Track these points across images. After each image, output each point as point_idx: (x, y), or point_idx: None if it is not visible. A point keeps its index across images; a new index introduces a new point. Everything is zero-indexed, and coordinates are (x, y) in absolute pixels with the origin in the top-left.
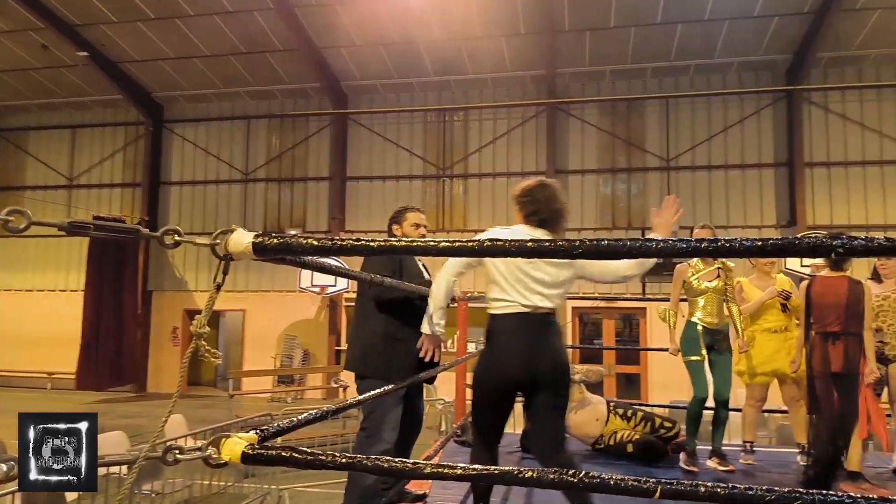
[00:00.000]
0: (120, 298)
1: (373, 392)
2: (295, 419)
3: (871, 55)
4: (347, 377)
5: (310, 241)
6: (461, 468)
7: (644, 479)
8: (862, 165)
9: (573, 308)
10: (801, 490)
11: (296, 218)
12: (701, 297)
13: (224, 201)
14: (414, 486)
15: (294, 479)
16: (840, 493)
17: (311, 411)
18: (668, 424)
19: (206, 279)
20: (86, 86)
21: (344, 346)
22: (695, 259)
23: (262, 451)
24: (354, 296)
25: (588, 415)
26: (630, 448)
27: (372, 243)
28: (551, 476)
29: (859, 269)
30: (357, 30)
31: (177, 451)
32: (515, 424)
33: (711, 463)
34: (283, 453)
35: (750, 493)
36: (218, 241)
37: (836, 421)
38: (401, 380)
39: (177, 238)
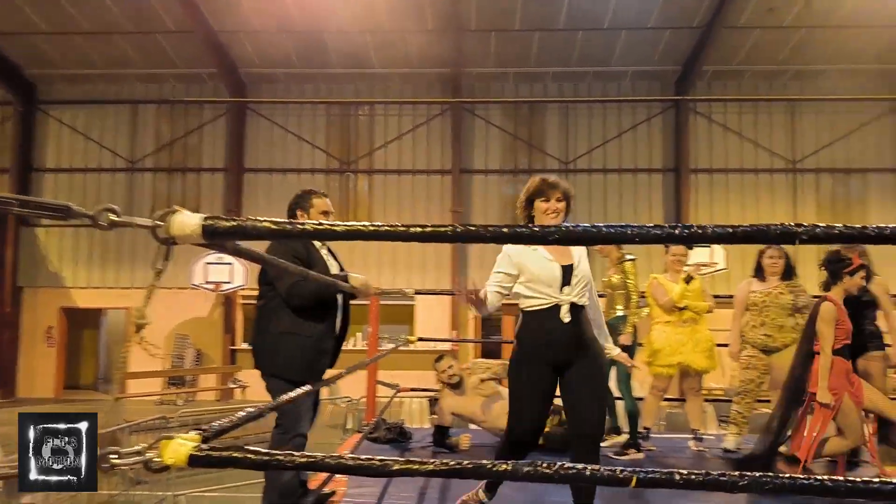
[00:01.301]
0: None
1: (294, 392)
2: (235, 417)
3: (750, 70)
4: (245, 377)
5: (265, 223)
6: (438, 463)
7: (620, 469)
8: (740, 173)
9: None
10: (771, 475)
11: (187, 210)
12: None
13: (106, 191)
14: (316, 483)
15: (191, 484)
16: (812, 476)
17: (247, 409)
18: None
19: (84, 274)
20: None
21: (240, 345)
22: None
23: (212, 452)
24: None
25: (500, 408)
26: (541, 441)
27: (336, 227)
28: (526, 469)
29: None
30: (258, 14)
31: (113, 457)
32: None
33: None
34: (236, 454)
35: (724, 479)
36: (161, 222)
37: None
38: (314, 378)
39: (114, 219)
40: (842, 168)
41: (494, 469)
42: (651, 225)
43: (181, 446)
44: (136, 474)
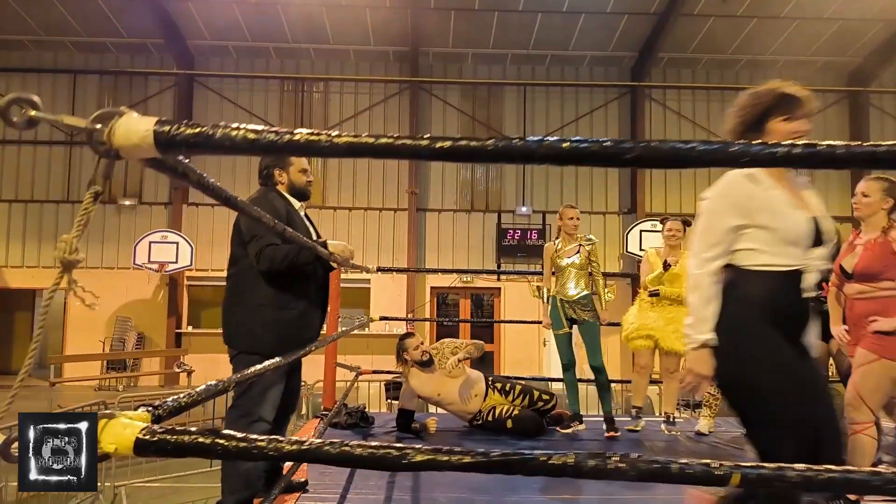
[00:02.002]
0: None
1: (261, 365)
2: (189, 394)
3: (703, 59)
4: (191, 361)
5: (242, 131)
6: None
7: (716, 464)
8: None
9: (431, 288)
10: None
11: (131, 187)
12: (563, 272)
13: (43, 165)
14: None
15: (132, 475)
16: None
17: (206, 384)
18: (545, 397)
19: (18, 253)
20: None
21: (186, 328)
22: (559, 238)
23: (168, 437)
24: (198, 274)
25: (470, 390)
26: (510, 423)
27: (337, 139)
28: (592, 463)
29: None
30: None
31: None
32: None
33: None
34: (201, 438)
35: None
36: (98, 125)
37: None
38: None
39: (33, 114)
40: None
41: (550, 462)
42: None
43: (125, 428)
44: None
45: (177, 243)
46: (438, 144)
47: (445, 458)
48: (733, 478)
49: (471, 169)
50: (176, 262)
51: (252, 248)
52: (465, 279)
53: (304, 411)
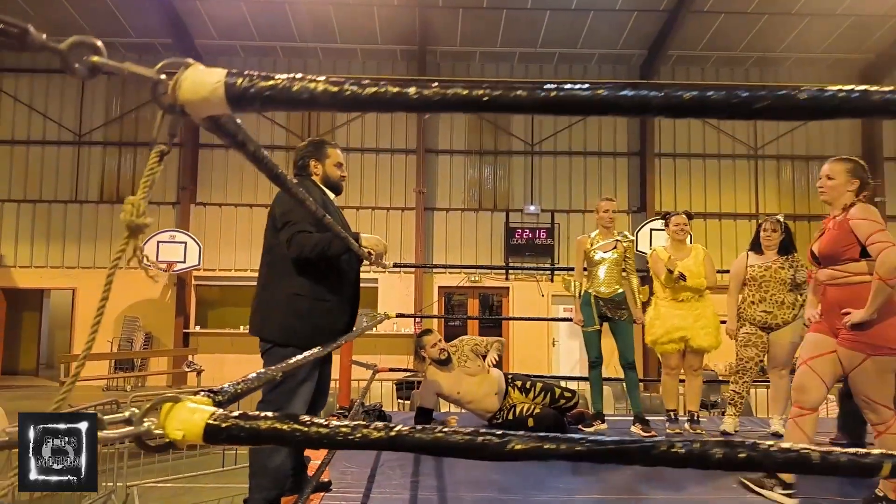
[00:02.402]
0: None
1: (295, 359)
2: (245, 380)
3: (712, 56)
4: (200, 361)
5: (323, 85)
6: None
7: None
8: (702, 158)
9: (439, 287)
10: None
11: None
12: (597, 267)
13: (51, 165)
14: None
15: (144, 475)
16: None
17: (257, 372)
18: (567, 395)
19: (27, 253)
20: None
21: (194, 328)
22: (595, 231)
23: (241, 423)
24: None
25: (489, 387)
26: (531, 422)
27: (452, 89)
28: (719, 452)
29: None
30: None
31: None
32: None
33: (635, 429)
34: (280, 424)
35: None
36: (162, 76)
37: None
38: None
39: (97, 60)
40: (801, 155)
41: (672, 451)
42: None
43: (193, 413)
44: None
45: (185, 243)
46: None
47: (552, 445)
48: (884, 467)
49: (479, 167)
50: (184, 262)
51: (284, 233)
52: (473, 279)
53: None
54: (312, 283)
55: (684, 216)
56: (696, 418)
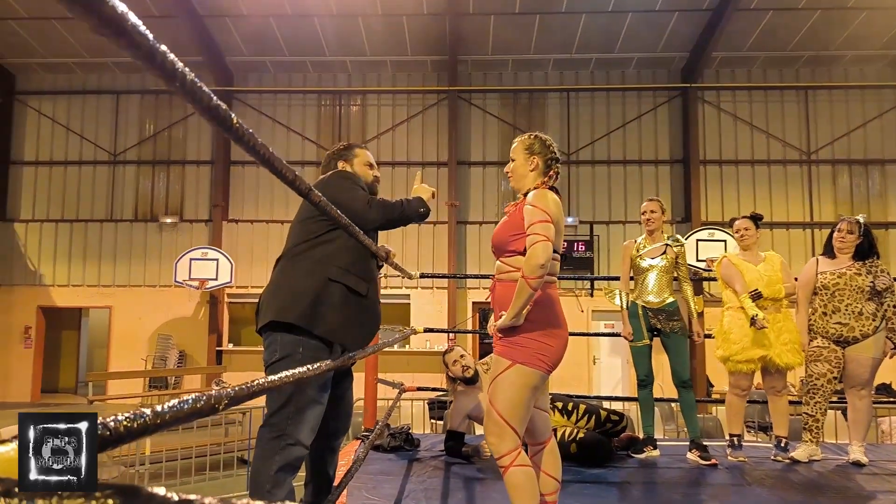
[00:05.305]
0: None
1: (299, 368)
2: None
3: (760, 57)
4: (231, 379)
5: None
6: None
7: None
8: (751, 164)
9: (473, 303)
10: None
11: (172, 205)
12: (645, 275)
13: (88, 185)
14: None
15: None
16: None
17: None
18: (614, 418)
19: (65, 272)
20: None
21: (227, 345)
22: (641, 236)
23: None
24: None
25: None
26: (574, 448)
27: None
28: None
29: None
30: None
31: None
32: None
33: (691, 456)
34: None
35: None
36: None
37: None
38: (349, 351)
39: None
40: (859, 160)
41: None
42: None
43: None
44: None
45: (217, 260)
46: None
47: None
48: None
49: None
50: (216, 280)
51: (358, 202)
52: None
53: None
54: (350, 273)
55: (747, 219)
56: (783, 445)
